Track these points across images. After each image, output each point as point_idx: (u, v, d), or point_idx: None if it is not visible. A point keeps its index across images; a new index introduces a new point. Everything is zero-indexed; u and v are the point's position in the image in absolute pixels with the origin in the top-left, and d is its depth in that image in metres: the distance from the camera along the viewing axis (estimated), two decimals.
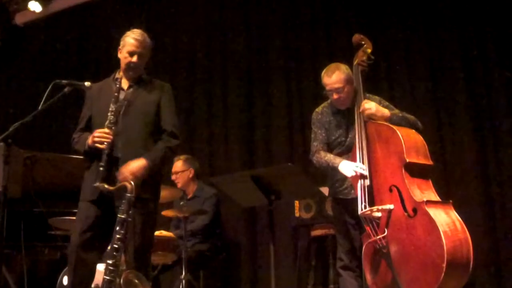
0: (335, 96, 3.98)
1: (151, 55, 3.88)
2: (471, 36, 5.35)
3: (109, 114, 3.60)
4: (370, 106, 3.78)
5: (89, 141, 3.60)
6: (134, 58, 3.73)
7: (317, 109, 4.19)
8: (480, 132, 5.22)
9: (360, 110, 3.79)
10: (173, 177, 5.67)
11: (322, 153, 3.98)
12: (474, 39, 5.33)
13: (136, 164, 3.54)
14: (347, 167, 3.74)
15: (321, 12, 6.22)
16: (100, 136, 3.55)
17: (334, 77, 3.94)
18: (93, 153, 3.61)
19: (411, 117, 3.88)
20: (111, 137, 3.54)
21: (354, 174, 3.68)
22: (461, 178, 5.19)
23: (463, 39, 5.39)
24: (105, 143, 3.53)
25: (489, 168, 5.12)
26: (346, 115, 4.03)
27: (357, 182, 3.68)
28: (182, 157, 5.73)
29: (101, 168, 3.49)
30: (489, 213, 5.03)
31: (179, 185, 5.63)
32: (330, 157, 3.92)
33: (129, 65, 3.75)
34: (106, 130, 3.56)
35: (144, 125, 3.70)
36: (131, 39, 3.75)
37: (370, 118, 3.77)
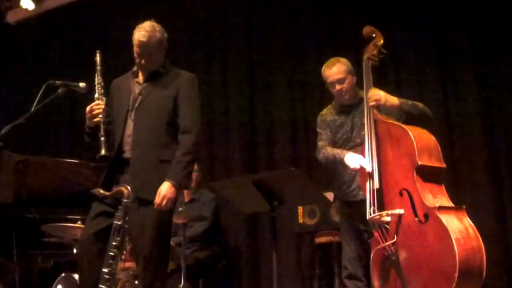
0: (337, 87, 4.03)
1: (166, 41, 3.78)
2: (482, 35, 5.34)
3: (96, 86, 3.60)
4: (379, 96, 3.79)
5: (87, 123, 3.61)
6: (142, 61, 3.67)
7: (321, 112, 4.26)
8: (491, 134, 5.21)
9: (368, 98, 3.80)
10: None
11: (329, 148, 4.03)
12: (485, 39, 5.32)
13: (164, 189, 3.45)
14: (353, 159, 3.76)
15: (325, 9, 6.23)
16: (90, 110, 3.55)
17: (334, 68, 4.04)
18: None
19: (420, 104, 3.91)
20: (102, 105, 3.54)
21: (358, 167, 3.70)
22: (472, 182, 5.18)
23: (474, 39, 5.38)
24: (99, 115, 3.52)
25: (501, 172, 5.12)
26: (350, 113, 4.08)
27: (365, 183, 3.68)
28: None
29: (102, 138, 3.45)
30: (500, 219, 5.03)
31: (193, 184, 5.64)
32: (337, 150, 3.97)
33: (138, 65, 3.73)
34: (96, 102, 3.56)
35: (157, 123, 3.61)
36: (136, 40, 3.64)
37: (378, 107, 3.79)
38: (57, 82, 3.72)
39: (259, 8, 6.66)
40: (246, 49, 6.63)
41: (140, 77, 3.76)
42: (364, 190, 3.71)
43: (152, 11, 7.27)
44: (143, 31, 3.62)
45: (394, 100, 3.82)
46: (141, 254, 3.48)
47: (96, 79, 3.66)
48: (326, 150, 4.03)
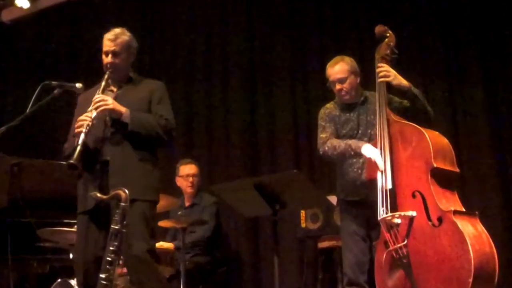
0: (337, 86, 4.03)
1: (136, 53, 3.91)
2: (489, 34, 5.35)
3: (93, 100, 3.62)
4: (390, 73, 3.82)
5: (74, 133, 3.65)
6: (108, 58, 3.78)
7: (326, 105, 4.22)
8: (499, 137, 5.21)
9: (378, 72, 3.84)
10: (190, 179, 5.70)
11: (338, 140, 3.96)
12: (493, 38, 5.32)
13: (119, 105, 3.64)
14: (370, 150, 3.71)
15: (328, 9, 6.23)
16: (80, 120, 3.57)
17: (337, 67, 4.04)
18: (86, 158, 3.60)
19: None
20: (89, 118, 3.55)
21: (372, 158, 3.65)
22: (479, 186, 5.18)
23: (481, 38, 5.38)
24: (84, 125, 3.54)
25: (509, 177, 5.11)
26: (355, 110, 4.07)
27: (372, 168, 3.66)
28: (194, 161, 5.82)
29: (78, 147, 3.46)
30: (509, 224, 5.02)
31: (193, 189, 5.72)
32: (352, 140, 3.90)
33: (106, 67, 3.79)
34: (87, 114, 3.59)
35: None
36: (104, 40, 3.81)
37: (385, 81, 3.81)
38: (53, 82, 3.72)
39: (261, 8, 6.66)
40: (247, 49, 6.63)
41: (112, 87, 3.85)
42: (371, 189, 3.69)
43: (150, 10, 7.30)
44: (111, 32, 3.85)
45: (403, 81, 3.84)
46: (128, 255, 3.53)
47: (98, 91, 3.70)
48: (334, 140, 3.95)
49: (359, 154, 3.82)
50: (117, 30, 3.83)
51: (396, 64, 5.16)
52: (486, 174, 5.19)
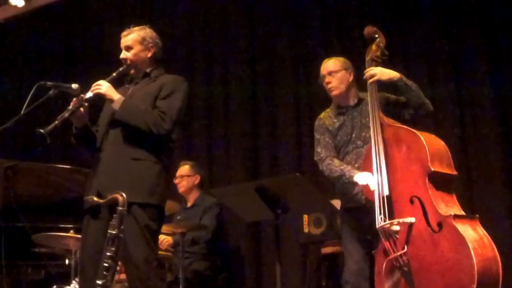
0: (326, 79, 4.07)
1: (157, 48, 3.96)
2: (497, 34, 5.34)
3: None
4: (375, 71, 3.82)
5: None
6: (121, 54, 3.84)
7: (319, 116, 4.23)
8: (508, 138, 5.20)
9: (365, 77, 3.84)
10: (177, 180, 5.72)
11: (337, 161, 3.95)
12: (501, 37, 5.32)
13: (114, 91, 3.65)
14: (362, 177, 3.70)
15: (332, 8, 6.23)
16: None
17: (330, 62, 4.13)
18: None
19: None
20: (81, 98, 3.60)
21: (365, 184, 3.65)
22: (486, 189, 5.17)
23: (488, 37, 5.38)
24: (72, 103, 3.61)
25: None
26: (349, 114, 4.06)
27: (369, 191, 3.66)
28: (190, 162, 5.88)
29: (56, 121, 3.54)
30: None
31: (181, 190, 5.75)
32: (347, 168, 3.88)
33: (122, 62, 3.83)
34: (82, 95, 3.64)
35: None
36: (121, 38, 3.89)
37: (375, 80, 3.80)
38: (48, 83, 3.72)
39: (262, 9, 6.66)
40: (248, 48, 6.63)
41: (127, 84, 3.91)
42: (369, 197, 3.69)
43: (147, 9, 7.30)
44: (127, 29, 3.90)
45: (392, 73, 3.83)
46: (126, 262, 3.53)
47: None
48: (333, 162, 3.95)
49: (353, 183, 3.80)
50: (133, 27, 3.91)
51: (402, 64, 5.18)
52: (494, 177, 5.18)
